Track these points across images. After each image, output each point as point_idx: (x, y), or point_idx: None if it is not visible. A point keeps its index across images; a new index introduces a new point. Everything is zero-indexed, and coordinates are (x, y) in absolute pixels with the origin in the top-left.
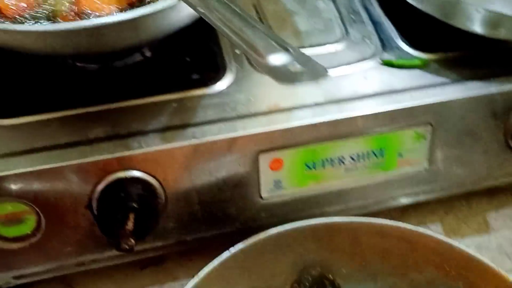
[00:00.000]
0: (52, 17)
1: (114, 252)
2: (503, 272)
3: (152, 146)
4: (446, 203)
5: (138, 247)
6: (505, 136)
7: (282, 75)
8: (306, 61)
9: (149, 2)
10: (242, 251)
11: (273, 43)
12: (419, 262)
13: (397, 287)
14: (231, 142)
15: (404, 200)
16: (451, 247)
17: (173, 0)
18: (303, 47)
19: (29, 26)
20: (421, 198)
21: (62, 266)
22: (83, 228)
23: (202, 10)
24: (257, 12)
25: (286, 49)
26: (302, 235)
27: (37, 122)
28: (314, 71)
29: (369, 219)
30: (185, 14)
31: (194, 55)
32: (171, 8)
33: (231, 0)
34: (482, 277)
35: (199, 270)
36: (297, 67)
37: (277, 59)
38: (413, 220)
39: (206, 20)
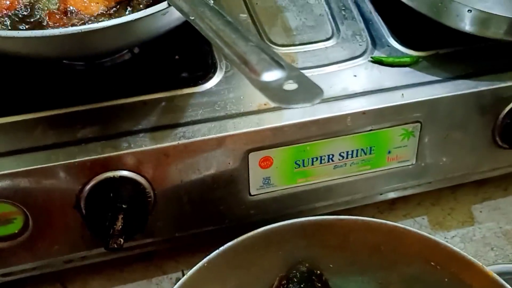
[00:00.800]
0: (39, 16)
1: (103, 249)
2: (487, 269)
3: (141, 146)
4: (433, 195)
5: (127, 244)
6: (493, 133)
7: (276, 94)
8: (301, 79)
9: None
10: (231, 248)
11: (267, 58)
12: (406, 257)
13: (385, 281)
14: (221, 142)
15: (392, 195)
16: (435, 244)
17: (163, 5)
18: (294, 44)
19: (14, 32)
20: (408, 192)
21: (50, 263)
22: (71, 227)
23: (193, 18)
24: (247, 7)
25: (280, 66)
26: (291, 233)
27: (24, 121)
28: (309, 91)
29: (357, 218)
30: (174, 17)
31: (183, 52)
32: (161, 12)
33: (224, 9)
34: (466, 272)
35: (188, 265)
36: (292, 86)
37: (271, 76)
38: (400, 212)
39: (198, 29)
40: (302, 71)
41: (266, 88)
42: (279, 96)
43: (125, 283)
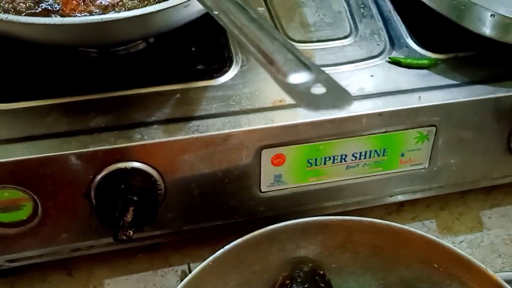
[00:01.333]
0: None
1: (111, 239)
2: (491, 272)
3: (154, 138)
4: (442, 199)
5: (135, 235)
6: (508, 139)
7: (304, 98)
8: (329, 83)
9: None
10: (235, 247)
11: (294, 59)
12: (408, 259)
13: (386, 281)
14: (234, 137)
15: (401, 197)
16: (441, 246)
17: None
18: (311, 41)
19: (33, 19)
20: (418, 195)
21: (57, 251)
22: (81, 216)
23: (216, 13)
24: (265, 1)
25: (307, 68)
26: (294, 232)
27: (37, 107)
28: (339, 97)
29: (361, 219)
30: (196, 10)
31: (199, 44)
32: (183, 5)
33: (250, 6)
34: (471, 276)
35: (194, 258)
36: (320, 90)
37: (298, 78)
38: (408, 215)
39: (222, 24)
40: None
41: (293, 91)
42: (307, 100)
43: (131, 273)
